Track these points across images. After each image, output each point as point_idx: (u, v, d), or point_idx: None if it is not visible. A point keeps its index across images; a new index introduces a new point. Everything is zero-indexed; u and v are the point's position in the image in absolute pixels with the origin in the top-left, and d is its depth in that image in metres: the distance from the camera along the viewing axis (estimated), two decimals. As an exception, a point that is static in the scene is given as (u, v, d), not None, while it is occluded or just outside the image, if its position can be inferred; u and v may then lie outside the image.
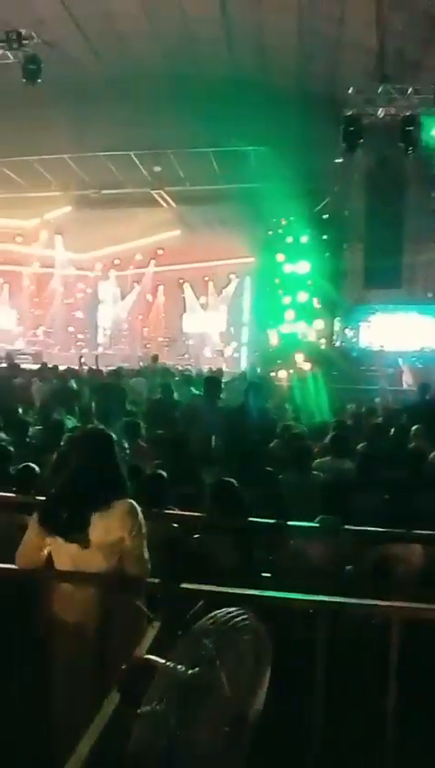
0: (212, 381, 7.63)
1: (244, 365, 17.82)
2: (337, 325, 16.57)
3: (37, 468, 4.18)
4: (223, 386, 7.90)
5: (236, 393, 8.13)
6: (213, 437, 6.11)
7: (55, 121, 14.10)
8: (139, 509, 2.62)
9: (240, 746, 1.43)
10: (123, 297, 20.98)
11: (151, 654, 1.62)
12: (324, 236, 15.97)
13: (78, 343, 20.18)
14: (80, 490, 2.57)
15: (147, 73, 14.47)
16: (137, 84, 14.27)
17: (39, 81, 10.28)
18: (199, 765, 1.31)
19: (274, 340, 16.50)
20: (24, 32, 10.25)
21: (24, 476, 4.10)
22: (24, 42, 10.20)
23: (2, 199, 17.52)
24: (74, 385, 10.34)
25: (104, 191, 17.15)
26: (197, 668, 1.33)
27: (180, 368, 15.29)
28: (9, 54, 10.27)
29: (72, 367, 13.38)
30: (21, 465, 4.25)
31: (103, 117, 14.30)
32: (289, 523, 3.66)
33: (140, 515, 2.61)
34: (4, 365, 13.08)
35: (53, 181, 17.02)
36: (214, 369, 14.07)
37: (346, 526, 3.54)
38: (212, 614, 1.43)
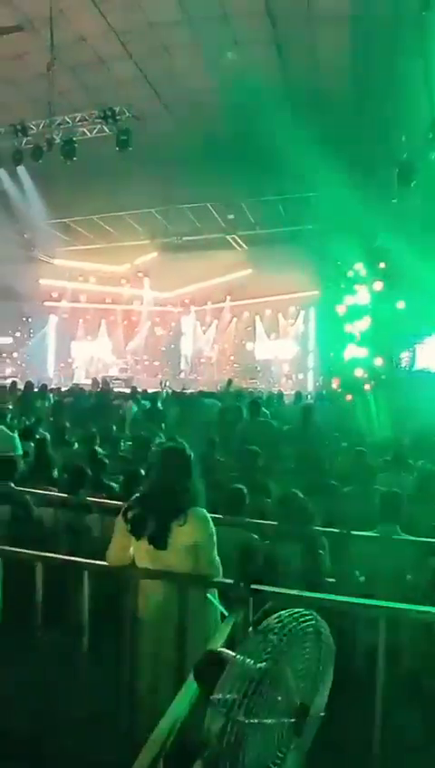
0: (254, 403, 7.64)
1: (310, 388, 17.59)
2: (396, 349, 16.07)
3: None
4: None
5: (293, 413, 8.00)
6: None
7: (143, 181, 14.72)
8: (209, 517, 2.62)
9: (304, 739, 1.39)
10: (202, 329, 21.31)
11: (224, 648, 1.61)
12: (382, 270, 15.64)
13: (163, 370, 20.62)
14: (161, 499, 2.59)
15: (219, 137, 14.88)
16: (211, 146, 14.70)
17: (129, 148, 10.74)
18: (265, 754, 1.29)
19: (337, 364, 16.23)
20: (117, 109, 10.77)
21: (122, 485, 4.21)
22: (118, 117, 10.70)
23: (100, 249, 18.43)
24: (160, 406, 10.55)
25: (185, 238, 17.61)
26: (264, 663, 1.31)
27: (252, 390, 15.27)
28: (105, 128, 10.82)
29: (158, 390, 13.67)
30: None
31: (183, 175, 14.78)
32: (352, 533, 3.55)
33: (211, 522, 2.61)
34: (101, 389, 13.51)
35: (141, 231, 17.70)
36: (278, 391, 13.95)
37: (405, 537, 3.40)
38: (280, 614, 1.41)
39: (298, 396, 11.84)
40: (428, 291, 14.38)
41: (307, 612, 1.37)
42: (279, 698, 1.34)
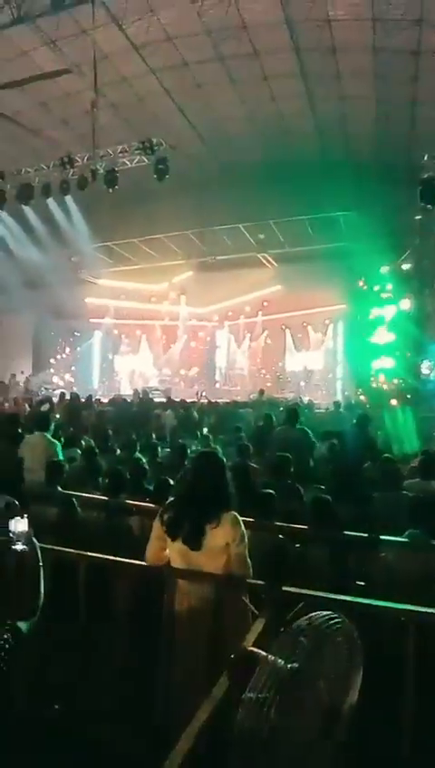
0: (291, 411, 7.51)
1: (339, 398, 17.31)
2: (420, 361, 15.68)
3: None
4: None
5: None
6: (310, 459, 5.93)
7: (179, 205, 14.93)
8: (240, 520, 2.59)
9: (334, 738, 1.34)
10: (236, 342, 21.31)
11: (256, 647, 1.58)
12: (407, 284, 15.37)
13: (200, 381, 20.68)
14: (195, 502, 2.58)
15: (250, 162, 15.00)
16: (242, 171, 14.82)
17: (166, 176, 10.90)
18: (295, 751, 1.25)
19: (365, 376, 15.96)
20: (154, 140, 10.95)
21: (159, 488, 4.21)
22: (155, 148, 10.86)
23: (140, 269, 18.72)
24: (196, 415, 10.57)
25: (219, 257, 17.68)
26: (295, 663, 1.28)
27: (283, 400, 15.13)
28: (144, 158, 11.00)
29: (194, 400, 13.70)
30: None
31: (216, 199, 14.93)
32: (381, 537, 3.45)
33: (242, 525, 2.58)
34: (142, 399, 13.64)
35: (178, 252, 17.88)
36: (308, 401, 13.79)
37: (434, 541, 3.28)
38: (310, 615, 1.37)
39: (337, 405, 11.65)
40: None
41: (336, 615, 1.33)
42: (309, 698, 1.30)
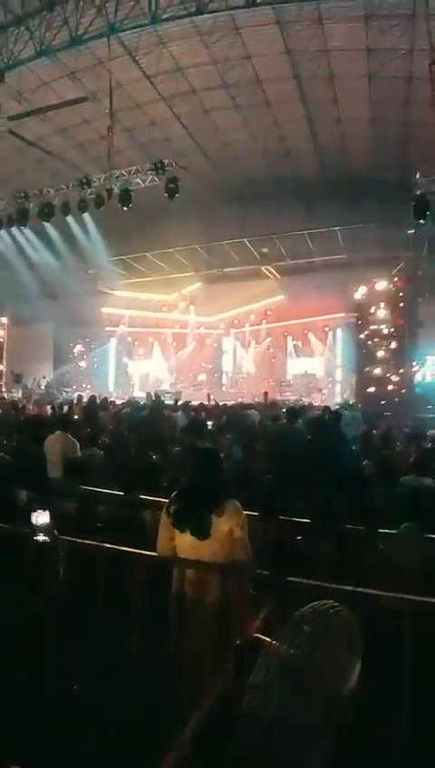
0: (292, 411, 7.48)
1: (338, 399, 17.22)
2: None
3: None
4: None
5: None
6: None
7: (188, 222, 14.98)
8: (241, 507, 2.56)
9: (334, 721, 1.32)
10: (241, 348, 21.27)
11: (260, 634, 1.56)
12: (401, 293, 15.28)
13: (208, 385, 20.64)
14: (198, 493, 2.56)
15: (254, 181, 15.04)
16: (247, 190, 14.86)
17: (177, 195, 10.92)
18: (298, 734, 1.23)
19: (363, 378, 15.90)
20: (166, 161, 10.98)
21: (171, 485, 4.20)
22: (166, 169, 10.89)
23: (152, 281, 18.78)
24: (204, 415, 10.53)
25: (225, 269, 17.72)
26: (297, 650, 1.26)
27: (285, 402, 15.07)
28: (156, 178, 11.04)
29: (203, 402, 13.66)
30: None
31: (223, 215, 14.99)
32: (379, 530, 3.41)
33: (243, 512, 2.56)
34: (154, 402, 13.61)
35: (187, 265, 17.93)
36: (308, 403, 13.74)
37: (428, 535, 3.23)
38: (312, 604, 1.35)
39: (326, 408, 11.59)
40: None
41: (337, 604, 1.31)
42: (311, 683, 1.28)
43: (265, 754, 1.25)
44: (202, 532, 2.48)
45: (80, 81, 11.56)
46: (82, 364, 21.40)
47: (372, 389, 14.99)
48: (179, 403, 13.19)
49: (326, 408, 9.71)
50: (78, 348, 21.28)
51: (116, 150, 11.44)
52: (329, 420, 6.73)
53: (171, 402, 14.06)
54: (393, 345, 15.19)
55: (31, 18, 10.39)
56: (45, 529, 2.42)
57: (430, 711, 2.17)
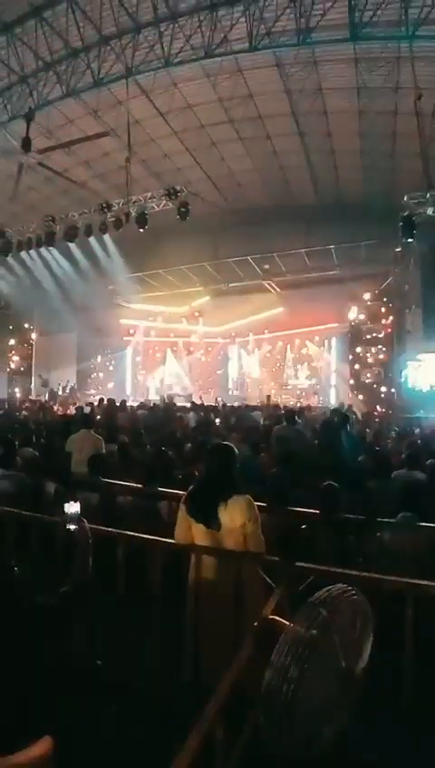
0: (290, 411, 7.39)
1: (332, 402, 17.11)
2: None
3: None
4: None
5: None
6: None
7: (198, 242, 15.00)
8: (253, 502, 2.49)
9: (349, 696, 1.27)
10: (245, 356, 21.19)
11: (274, 615, 1.51)
12: (390, 305, 15.21)
13: (216, 389, 20.57)
14: (211, 487, 2.50)
15: (256, 205, 15.06)
16: (250, 213, 14.87)
17: (187, 218, 10.93)
18: (314, 710, 1.18)
19: (355, 383, 15.83)
20: (177, 188, 11.00)
21: (185, 478, 4.16)
22: (178, 194, 10.90)
23: (165, 295, 18.79)
24: (212, 416, 10.50)
25: (231, 284, 17.68)
26: (314, 631, 1.21)
27: (285, 404, 14.98)
28: (169, 203, 11.06)
29: (212, 404, 13.63)
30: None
31: (228, 236, 14.99)
32: (377, 519, 3.34)
33: (255, 506, 2.49)
34: (167, 404, 13.60)
35: (196, 280, 17.91)
36: (307, 405, 13.65)
37: (423, 523, 3.17)
38: (328, 588, 1.30)
39: (333, 411, 11.50)
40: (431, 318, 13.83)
41: (351, 588, 1.26)
42: (327, 662, 1.23)
43: (284, 728, 1.20)
44: (214, 523, 2.42)
45: (101, 119, 11.63)
46: (102, 369, 21.43)
47: (364, 393, 14.90)
48: (190, 405, 13.19)
49: (335, 411, 9.63)
50: (99, 355, 21.32)
51: (133, 179, 11.47)
52: (338, 422, 6.66)
53: (183, 404, 14.07)
54: (383, 353, 15.11)
55: (58, 64, 10.48)
56: (75, 518, 2.38)
57: (429, 684, 2.11)
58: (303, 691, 1.15)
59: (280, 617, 1.52)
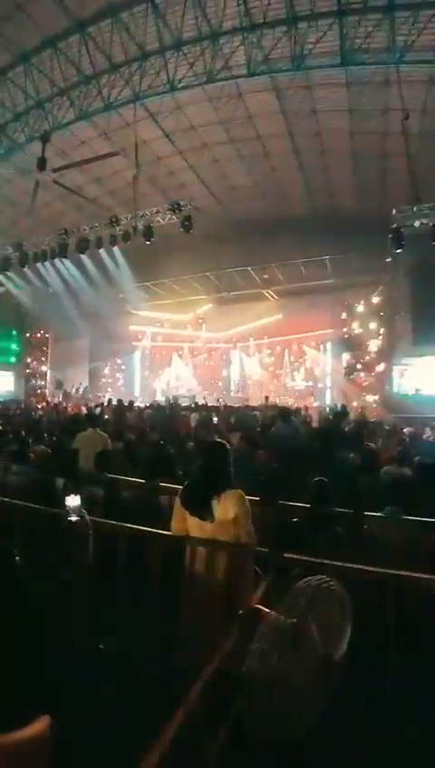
0: (284, 411, 7.31)
1: (328, 402, 17.03)
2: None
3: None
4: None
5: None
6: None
7: (201, 253, 14.98)
8: (245, 496, 2.46)
9: (327, 680, 1.24)
10: (246, 359, 21.16)
11: (261, 604, 1.48)
12: (381, 312, 15.16)
13: (218, 390, 20.54)
14: (206, 481, 2.48)
15: (256, 219, 15.01)
16: (250, 226, 14.84)
17: (191, 230, 10.93)
18: (294, 692, 1.15)
19: (349, 385, 15.76)
20: (181, 203, 11.00)
21: (185, 474, 4.14)
22: (182, 209, 10.91)
23: (171, 303, 18.82)
24: (214, 415, 10.47)
25: (232, 293, 17.67)
26: (294, 619, 1.18)
27: (283, 405, 14.90)
28: (174, 217, 11.06)
29: (214, 404, 13.60)
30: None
31: (229, 247, 14.95)
32: (365, 513, 3.30)
33: (247, 500, 2.46)
34: (172, 404, 13.59)
35: (200, 289, 17.92)
36: (304, 406, 13.56)
37: (408, 517, 3.12)
38: (306, 579, 1.28)
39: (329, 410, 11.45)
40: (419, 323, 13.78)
41: (328, 578, 1.23)
42: (306, 648, 1.20)
43: (264, 710, 1.17)
44: (208, 516, 2.40)
45: (111, 140, 11.67)
46: (112, 372, 21.46)
47: (357, 395, 14.83)
48: (193, 405, 13.18)
49: (331, 410, 9.58)
50: (109, 359, 21.36)
51: (140, 195, 11.51)
52: (335, 418, 6.61)
53: (187, 404, 14.06)
54: (375, 358, 15.05)
55: (71, 90, 10.54)
56: (76, 510, 2.37)
57: (411, 667, 2.07)
58: (282, 675, 1.12)
59: (267, 606, 1.49)
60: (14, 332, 19.62)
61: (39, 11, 8.74)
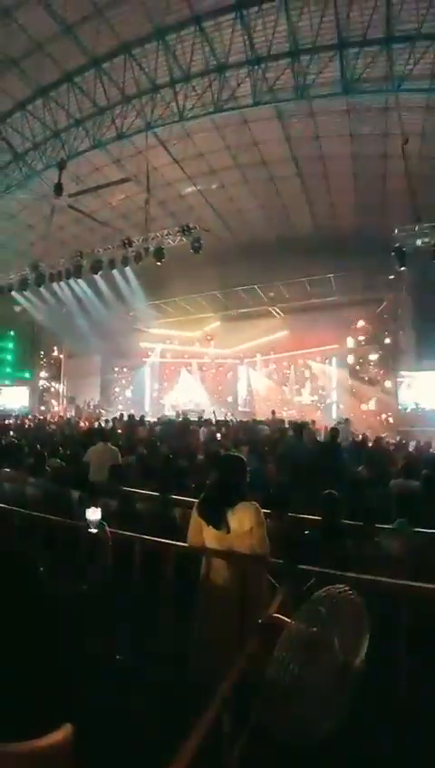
0: (297, 425, 7.30)
1: (334, 417, 16.90)
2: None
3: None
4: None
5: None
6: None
7: (209, 273, 15.18)
8: (260, 508, 2.45)
9: (346, 688, 1.23)
10: (253, 374, 21.15)
11: (277, 614, 1.48)
12: (386, 331, 15.17)
13: (226, 405, 20.48)
14: (221, 493, 2.47)
15: (262, 240, 15.24)
16: (256, 246, 15.06)
17: (200, 251, 11.11)
18: (314, 701, 1.14)
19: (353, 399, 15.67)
20: (191, 225, 11.23)
21: (197, 486, 4.13)
22: (192, 231, 11.12)
23: (180, 321, 19.01)
24: (224, 430, 10.44)
25: (239, 310, 17.81)
26: (315, 628, 1.18)
27: (290, 420, 14.81)
28: (183, 239, 11.28)
29: (221, 419, 13.56)
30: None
31: (237, 267, 15.14)
32: (375, 525, 3.27)
33: (261, 512, 2.45)
34: (182, 419, 13.57)
35: (208, 307, 18.09)
36: (311, 420, 13.45)
37: (417, 529, 3.08)
38: (327, 588, 1.28)
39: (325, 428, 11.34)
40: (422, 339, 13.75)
41: (348, 588, 1.23)
42: (326, 657, 1.20)
43: (284, 719, 1.17)
44: (224, 527, 2.39)
45: (123, 166, 12.03)
46: (123, 388, 21.56)
47: (363, 410, 14.73)
48: (201, 420, 13.15)
49: (326, 428, 9.53)
50: (120, 375, 21.50)
51: (151, 218, 11.77)
52: (329, 436, 6.58)
53: (196, 419, 14.04)
54: (379, 370, 14.99)
55: (86, 120, 10.94)
56: (97, 523, 2.38)
57: (423, 676, 2.03)
58: (302, 681, 1.12)
59: (283, 615, 1.48)
60: (29, 349, 19.92)
61: (57, 48, 9.17)
